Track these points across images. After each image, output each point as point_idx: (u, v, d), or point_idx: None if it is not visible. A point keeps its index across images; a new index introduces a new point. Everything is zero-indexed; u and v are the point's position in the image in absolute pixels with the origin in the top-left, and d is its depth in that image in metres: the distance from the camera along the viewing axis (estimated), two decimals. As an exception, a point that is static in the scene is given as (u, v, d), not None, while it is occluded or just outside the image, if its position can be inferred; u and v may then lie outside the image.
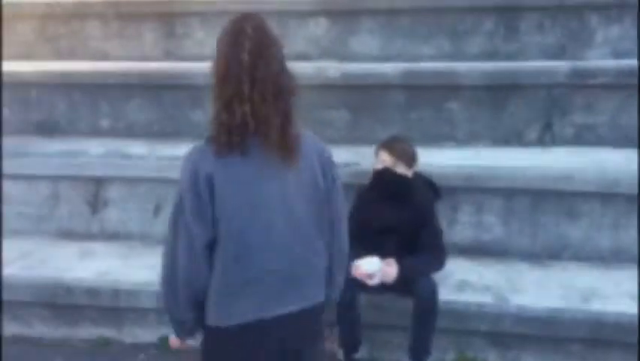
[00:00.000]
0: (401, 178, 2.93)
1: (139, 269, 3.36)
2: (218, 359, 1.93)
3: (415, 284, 2.77)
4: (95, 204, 3.83)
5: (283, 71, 1.80)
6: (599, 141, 3.82)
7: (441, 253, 2.91)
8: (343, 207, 2.02)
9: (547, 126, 3.89)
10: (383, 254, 2.83)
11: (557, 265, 3.29)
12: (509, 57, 4.25)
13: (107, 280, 3.26)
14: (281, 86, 1.78)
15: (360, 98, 4.02)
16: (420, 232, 2.89)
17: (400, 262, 2.75)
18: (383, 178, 2.96)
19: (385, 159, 2.96)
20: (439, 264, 2.89)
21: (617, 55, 4.15)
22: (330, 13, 4.47)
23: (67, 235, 3.82)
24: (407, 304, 2.86)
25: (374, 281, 2.74)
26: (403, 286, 2.81)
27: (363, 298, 2.89)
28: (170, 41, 4.70)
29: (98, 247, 3.68)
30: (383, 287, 2.92)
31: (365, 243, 2.93)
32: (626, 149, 3.68)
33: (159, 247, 3.59)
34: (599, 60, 4.09)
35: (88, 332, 3.31)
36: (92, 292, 3.23)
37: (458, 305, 2.90)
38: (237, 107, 1.75)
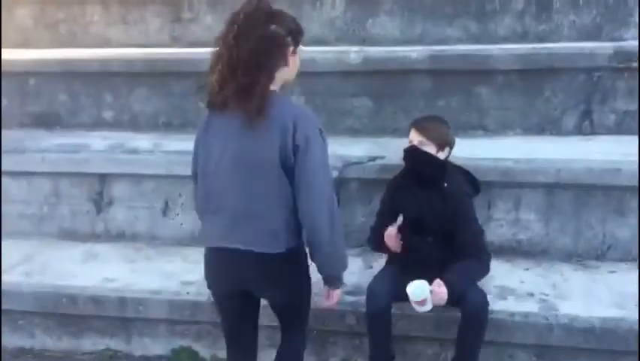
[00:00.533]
0: (429, 157, 2.64)
1: (147, 275, 3.10)
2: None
3: (462, 295, 2.49)
4: (99, 203, 3.57)
5: (262, 53, 2.04)
6: (643, 130, 3.53)
7: (485, 256, 2.63)
8: (314, 176, 2.08)
9: (586, 113, 3.60)
10: (418, 258, 2.58)
11: (603, 267, 3.01)
12: (541, 38, 3.96)
13: (113, 288, 2.99)
14: (255, 66, 2.03)
15: (383, 84, 3.74)
16: (457, 231, 2.61)
17: (445, 277, 2.45)
18: (409, 158, 2.70)
19: (413, 138, 2.68)
20: (486, 270, 2.62)
21: (658, 35, 3.85)
22: (348, -7, 4.17)
23: (70, 235, 3.56)
24: (442, 312, 2.60)
25: (427, 307, 2.45)
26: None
27: (394, 307, 2.62)
28: (176, 26, 4.43)
29: (103, 249, 3.42)
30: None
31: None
32: (674, 137, 3.39)
33: (168, 249, 3.43)
34: (631, 41, 3.76)
35: (94, 343, 3.06)
36: (97, 300, 2.97)
37: (502, 315, 2.62)
38: (214, 75, 2.09)
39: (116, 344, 3.04)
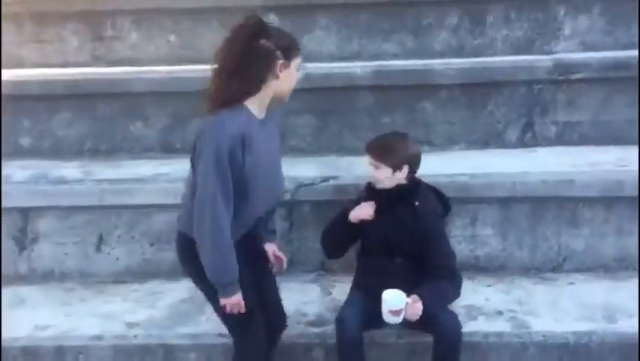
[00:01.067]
0: (389, 192, 2.55)
1: (85, 319, 2.80)
2: None
3: (434, 319, 2.40)
4: (23, 240, 3.21)
5: (245, 66, 2.13)
6: (582, 140, 3.59)
7: (457, 278, 2.55)
8: (199, 187, 2.16)
9: (529, 125, 3.63)
10: (387, 281, 2.44)
11: (562, 279, 3.00)
12: (476, 52, 3.97)
13: (48, 337, 2.67)
14: (239, 77, 2.15)
15: (327, 101, 3.62)
16: (429, 251, 2.51)
17: (419, 295, 2.36)
18: (372, 196, 2.60)
19: (368, 162, 2.57)
20: (458, 293, 2.54)
21: (586, 47, 3.95)
22: (281, 9, 4.01)
23: (-10, 278, 3.17)
24: (416, 338, 2.50)
25: (398, 319, 2.35)
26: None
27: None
28: (97, 45, 4.12)
29: (30, 291, 3.08)
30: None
31: (365, 266, 2.57)
32: (611, 147, 3.47)
33: (105, 288, 3.12)
34: (572, 54, 3.85)
35: (26, 400, 2.71)
36: (31, 352, 2.64)
37: (476, 337, 2.54)
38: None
39: (53, 399, 2.70)
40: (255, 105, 2.20)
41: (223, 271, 2.17)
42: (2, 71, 3.85)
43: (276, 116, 2.35)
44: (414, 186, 2.56)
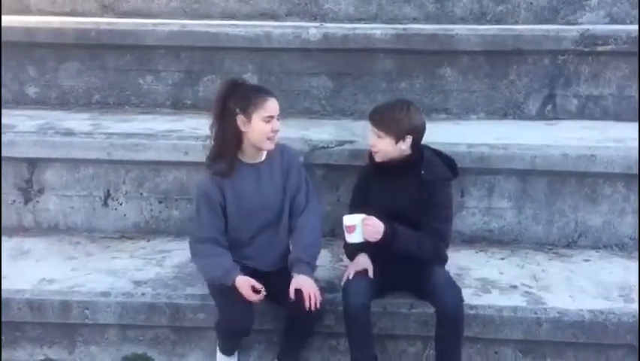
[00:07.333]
0: (393, 163, 2.48)
1: (92, 274, 2.74)
2: None
3: (435, 289, 2.36)
4: (28, 191, 3.14)
5: (219, 128, 2.46)
6: (604, 115, 3.51)
7: (439, 237, 2.45)
8: None
9: (550, 98, 3.53)
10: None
11: (577, 256, 2.94)
12: (498, 20, 3.86)
13: (54, 291, 2.61)
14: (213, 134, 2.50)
15: (344, 63, 3.53)
16: (426, 214, 2.45)
17: (390, 225, 2.37)
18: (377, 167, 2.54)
19: (370, 130, 2.48)
20: (436, 253, 2.45)
21: (613, 19, 3.83)
22: (299, -35, 3.89)
23: (-6, 229, 3.11)
24: (429, 309, 2.44)
25: (355, 238, 2.37)
26: (417, 285, 2.46)
27: (375, 304, 2.44)
28: (107, -7, 3.99)
29: (34, 244, 3.02)
30: (396, 287, 2.53)
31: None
32: (634, 123, 3.37)
33: (111, 243, 3.07)
34: (599, 25, 3.72)
35: (30, 353, 2.66)
36: (35, 305, 2.58)
37: (490, 311, 2.48)
38: None
39: (56, 353, 2.66)
40: (245, 154, 2.47)
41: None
42: (10, 17, 3.74)
43: (283, 156, 2.54)
44: (419, 156, 2.49)
